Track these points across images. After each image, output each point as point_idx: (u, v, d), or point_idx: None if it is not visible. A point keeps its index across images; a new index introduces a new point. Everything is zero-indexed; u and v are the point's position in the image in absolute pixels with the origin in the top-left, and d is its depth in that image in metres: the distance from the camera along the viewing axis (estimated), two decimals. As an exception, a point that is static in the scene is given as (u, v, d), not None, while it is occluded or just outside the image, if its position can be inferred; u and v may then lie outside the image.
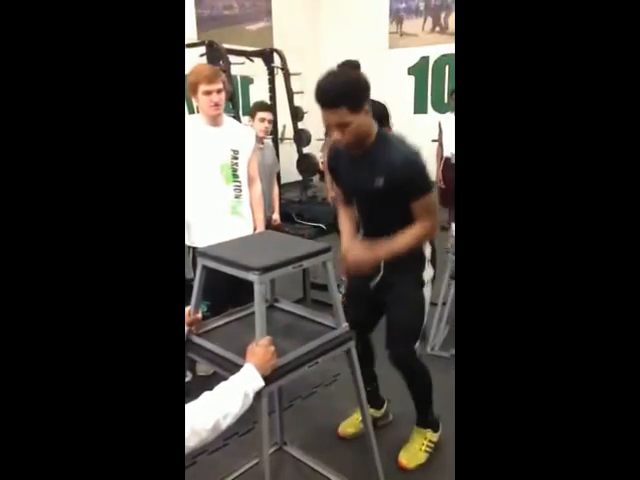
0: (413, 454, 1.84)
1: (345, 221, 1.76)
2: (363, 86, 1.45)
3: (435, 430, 1.90)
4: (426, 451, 1.85)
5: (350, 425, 1.99)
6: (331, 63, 1.53)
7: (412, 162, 1.49)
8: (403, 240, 1.55)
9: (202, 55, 3.40)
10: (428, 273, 1.70)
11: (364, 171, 1.55)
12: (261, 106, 2.92)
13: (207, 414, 1.05)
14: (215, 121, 2.13)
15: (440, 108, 6.63)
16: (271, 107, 3.11)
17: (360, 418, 1.94)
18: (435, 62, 6.86)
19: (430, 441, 1.87)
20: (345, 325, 1.43)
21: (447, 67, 6.71)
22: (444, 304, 2.70)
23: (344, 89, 1.40)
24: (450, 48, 6.48)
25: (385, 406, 2.06)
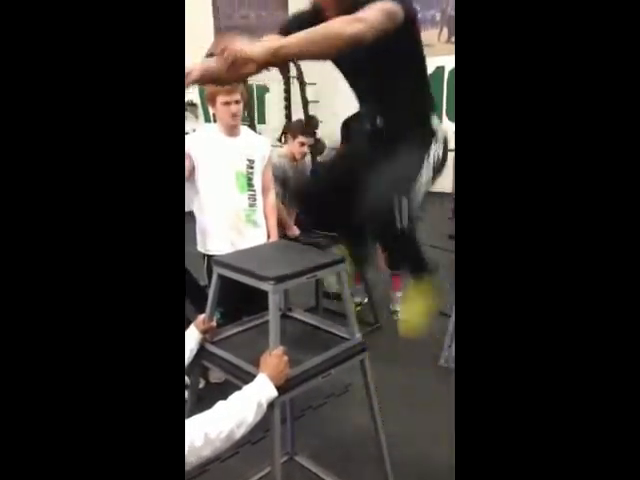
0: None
1: None
2: None
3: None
4: None
5: None
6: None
7: None
8: None
9: (219, 65, 3.46)
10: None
11: None
12: (304, 129, 2.57)
13: (221, 423, 1.06)
14: (232, 131, 2.16)
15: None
16: (313, 131, 2.63)
17: None
18: (450, 72, 6.86)
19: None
20: (358, 336, 1.43)
21: (462, 77, 6.72)
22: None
23: None
24: (466, 58, 6.48)
25: None
